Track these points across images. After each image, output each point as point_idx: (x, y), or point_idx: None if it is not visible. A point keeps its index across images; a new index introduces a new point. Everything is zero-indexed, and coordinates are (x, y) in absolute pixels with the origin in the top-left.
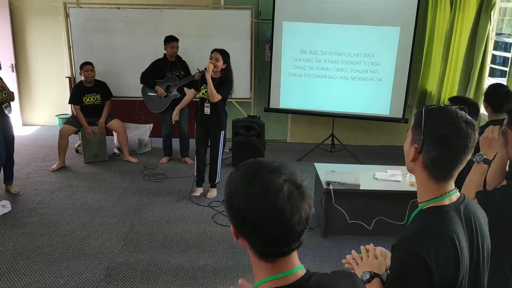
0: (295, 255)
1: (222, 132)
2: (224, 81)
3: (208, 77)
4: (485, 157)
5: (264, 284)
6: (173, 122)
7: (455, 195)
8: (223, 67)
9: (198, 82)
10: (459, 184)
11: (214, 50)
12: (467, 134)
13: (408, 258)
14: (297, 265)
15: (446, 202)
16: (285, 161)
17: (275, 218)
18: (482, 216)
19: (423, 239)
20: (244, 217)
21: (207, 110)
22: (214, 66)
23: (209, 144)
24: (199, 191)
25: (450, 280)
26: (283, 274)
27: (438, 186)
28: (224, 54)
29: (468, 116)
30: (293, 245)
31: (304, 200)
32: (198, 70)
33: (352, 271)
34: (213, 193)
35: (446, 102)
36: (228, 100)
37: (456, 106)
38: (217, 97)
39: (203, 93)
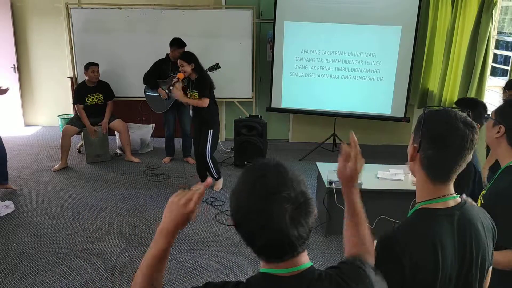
0: (300, 256)
1: (210, 131)
2: (200, 81)
3: (181, 92)
4: None
5: (263, 273)
6: None
7: (452, 200)
8: (193, 67)
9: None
10: (459, 186)
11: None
12: (464, 135)
13: (384, 253)
14: (302, 263)
15: (439, 205)
16: (287, 161)
17: (272, 236)
18: (484, 226)
19: (403, 238)
20: (240, 227)
21: (191, 113)
22: (183, 73)
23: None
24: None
25: (426, 283)
26: (281, 271)
27: (434, 188)
28: (185, 57)
29: (468, 118)
30: (285, 258)
31: (306, 217)
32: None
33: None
34: (218, 185)
35: (448, 101)
36: (230, 99)
37: (457, 108)
38: (203, 103)
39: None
